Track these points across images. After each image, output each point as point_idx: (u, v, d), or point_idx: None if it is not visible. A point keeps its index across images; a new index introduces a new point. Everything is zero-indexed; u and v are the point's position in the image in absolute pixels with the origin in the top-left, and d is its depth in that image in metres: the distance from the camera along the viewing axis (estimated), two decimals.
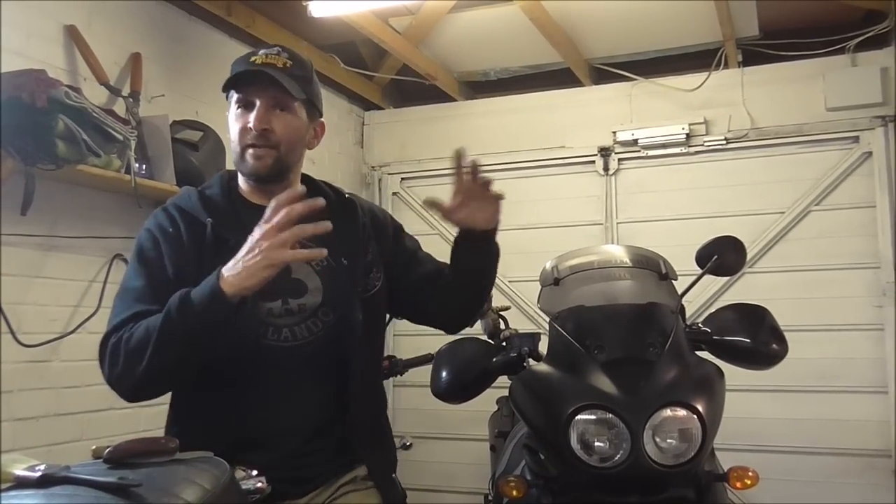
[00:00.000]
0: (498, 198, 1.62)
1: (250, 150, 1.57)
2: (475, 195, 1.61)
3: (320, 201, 1.40)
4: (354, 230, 1.69)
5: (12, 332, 2.44)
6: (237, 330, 1.44)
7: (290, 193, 1.39)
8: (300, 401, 1.56)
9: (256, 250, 1.36)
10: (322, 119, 1.71)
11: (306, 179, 1.73)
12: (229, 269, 1.39)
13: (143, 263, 1.55)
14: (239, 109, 1.58)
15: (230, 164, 3.18)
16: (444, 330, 1.87)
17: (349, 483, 1.61)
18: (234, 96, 1.59)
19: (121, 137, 2.60)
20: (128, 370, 1.41)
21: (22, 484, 1.04)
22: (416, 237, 1.90)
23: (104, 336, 1.48)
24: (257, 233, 1.38)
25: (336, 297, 1.60)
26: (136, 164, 2.69)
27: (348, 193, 1.77)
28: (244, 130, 1.56)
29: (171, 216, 1.59)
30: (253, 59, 1.58)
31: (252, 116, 1.55)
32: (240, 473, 1.23)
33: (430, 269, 1.80)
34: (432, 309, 1.82)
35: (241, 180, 1.68)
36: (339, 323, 1.59)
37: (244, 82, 1.57)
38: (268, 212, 1.38)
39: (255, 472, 1.27)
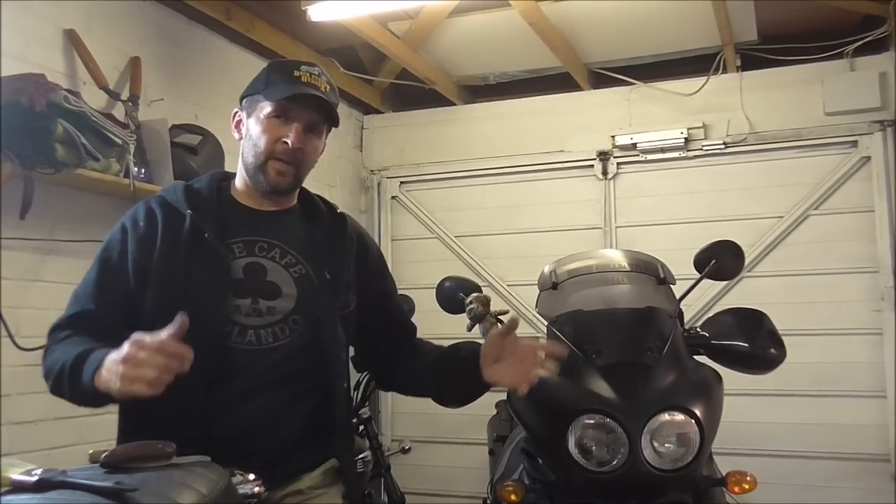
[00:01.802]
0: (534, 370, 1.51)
1: (276, 164, 1.58)
2: (516, 355, 1.54)
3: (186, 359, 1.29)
4: (341, 246, 1.69)
5: (11, 336, 2.43)
6: (202, 328, 1.43)
7: (176, 348, 1.28)
8: (268, 405, 1.53)
9: (118, 368, 1.28)
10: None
11: (303, 193, 1.74)
12: (106, 367, 1.32)
13: (103, 253, 1.59)
14: (274, 119, 1.58)
15: (229, 168, 3.19)
16: (376, 380, 1.89)
17: (317, 486, 1.59)
18: (274, 104, 1.57)
19: (120, 141, 2.60)
20: (52, 389, 1.47)
21: (19, 488, 1.04)
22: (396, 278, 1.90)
23: (50, 328, 1.55)
24: (127, 349, 1.28)
25: (309, 307, 1.58)
26: (135, 168, 2.69)
27: (340, 210, 1.78)
28: (276, 142, 1.57)
29: (150, 209, 1.59)
30: (297, 74, 1.58)
31: (290, 132, 1.56)
32: (237, 478, 1.23)
33: (394, 321, 1.80)
34: (383, 368, 1.84)
35: (238, 182, 1.68)
36: (308, 333, 1.57)
37: (299, 102, 1.57)
38: (150, 341, 1.28)
39: (251, 477, 1.26)
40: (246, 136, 1.63)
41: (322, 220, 1.70)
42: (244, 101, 1.66)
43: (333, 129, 1.68)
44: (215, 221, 1.58)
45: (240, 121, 1.66)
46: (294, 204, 1.71)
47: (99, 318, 1.53)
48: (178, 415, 1.43)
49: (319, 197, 1.77)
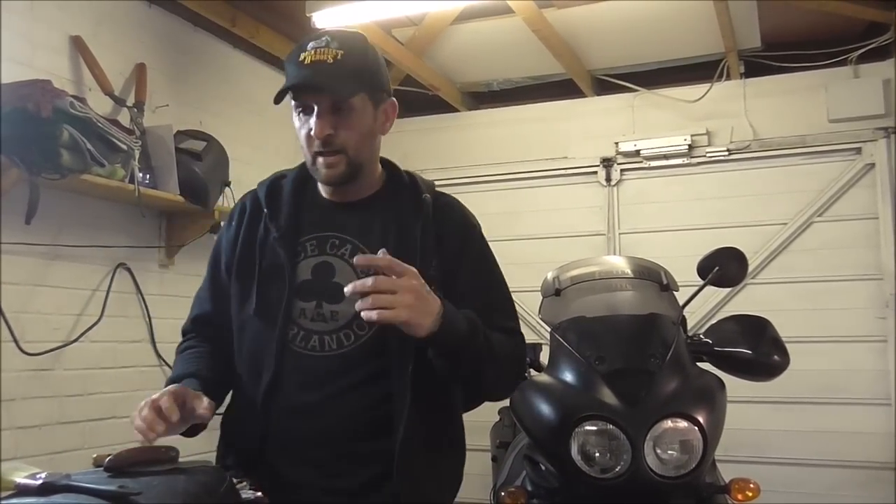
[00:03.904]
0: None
1: (320, 159, 1.46)
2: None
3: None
4: (415, 240, 1.50)
5: (15, 341, 2.44)
6: (267, 330, 1.44)
7: (163, 405, 1.29)
8: (332, 411, 1.42)
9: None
10: (392, 98, 1.56)
11: (389, 169, 1.62)
12: None
13: (213, 253, 1.62)
14: (300, 114, 1.47)
15: (234, 174, 3.21)
16: None
17: None
18: (293, 102, 1.47)
19: (125, 147, 2.62)
20: None
21: (23, 492, 1.04)
22: (495, 266, 1.68)
23: (181, 329, 1.63)
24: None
25: None
26: (140, 174, 2.71)
27: (427, 194, 1.56)
28: (308, 138, 1.45)
29: (242, 206, 1.59)
30: (302, 57, 1.43)
31: (313, 122, 1.43)
32: (239, 484, 1.23)
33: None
34: None
35: None
36: (375, 340, 1.43)
37: (296, 92, 1.44)
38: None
39: (249, 484, 1.27)
40: None
41: (402, 209, 1.54)
42: None
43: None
44: (288, 219, 1.51)
45: None
46: (380, 189, 1.58)
47: (214, 318, 1.58)
48: (243, 420, 1.45)
49: (410, 176, 1.62)
